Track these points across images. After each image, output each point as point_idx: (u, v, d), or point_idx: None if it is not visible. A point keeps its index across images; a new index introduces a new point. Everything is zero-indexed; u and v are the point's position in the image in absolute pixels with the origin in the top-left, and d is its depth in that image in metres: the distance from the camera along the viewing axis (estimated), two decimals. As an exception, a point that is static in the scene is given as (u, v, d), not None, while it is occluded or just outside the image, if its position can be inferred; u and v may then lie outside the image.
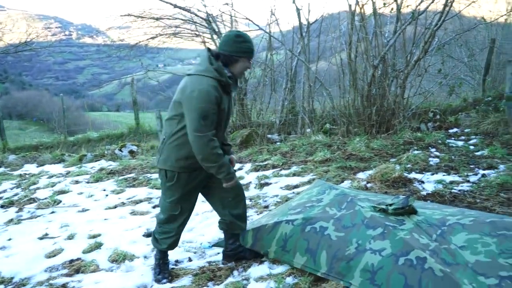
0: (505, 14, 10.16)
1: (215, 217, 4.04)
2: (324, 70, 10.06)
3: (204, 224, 4.07)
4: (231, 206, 3.04)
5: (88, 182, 6.29)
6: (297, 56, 8.54)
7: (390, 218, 2.79)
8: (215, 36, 8.31)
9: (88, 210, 4.85)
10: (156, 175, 6.29)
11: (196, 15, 8.35)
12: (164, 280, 2.95)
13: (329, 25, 9.23)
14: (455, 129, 7.26)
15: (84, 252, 3.57)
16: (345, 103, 7.52)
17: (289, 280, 2.72)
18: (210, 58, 2.64)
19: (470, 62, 12.82)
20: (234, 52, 2.67)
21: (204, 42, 8.74)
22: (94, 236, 3.91)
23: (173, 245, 3.02)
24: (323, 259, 2.68)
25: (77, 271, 3.25)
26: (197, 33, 8.72)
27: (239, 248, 3.17)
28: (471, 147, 5.90)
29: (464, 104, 8.47)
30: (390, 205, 2.88)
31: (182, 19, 8.64)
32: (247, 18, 8.52)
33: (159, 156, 2.82)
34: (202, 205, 4.60)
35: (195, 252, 3.42)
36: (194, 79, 2.61)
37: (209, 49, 2.74)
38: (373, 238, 2.62)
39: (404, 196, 2.98)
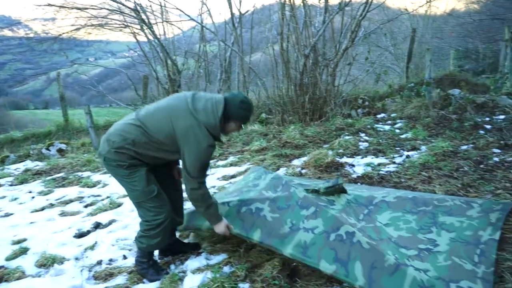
0: (424, 4, 10.83)
1: (151, 212, 3.96)
2: (258, 60, 10.15)
3: (139, 220, 3.94)
4: (171, 201, 2.92)
5: (11, 185, 5.86)
6: (230, 46, 8.52)
7: (322, 198, 2.90)
8: (145, 27, 8.02)
9: (12, 214, 4.52)
10: (87, 173, 6.02)
11: (123, 5, 8.01)
12: (162, 276, 2.81)
13: (261, 16, 9.30)
14: (382, 114, 7.65)
15: (8, 259, 3.32)
16: (279, 93, 7.65)
17: (226, 269, 2.73)
18: (221, 117, 2.59)
19: (395, 50, 13.57)
20: (231, 112, 2.62)
21: (134, 33, 8.42)
22: (19, 242, 3.65)
23: (168, 235, 2.89)
24: (256, 235, 2.73)
25: (0, 280, 3.02)
26: (125, 23, 8.37)
27: (175, 242, 3.13)
28: (397, 130, 6.26)
29: (390, 91, 8.95)
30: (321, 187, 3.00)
31: (108, 9, 8.25)
32: (177, 8, 8.34)
33: (109, 148, 2.60)
34: (137, 201, 4.49)
35: (130, 250, 3.31)
36: (201, 130, 2.53)
37: (225, 100, 2.63)
38: (306, 218, 2.71)
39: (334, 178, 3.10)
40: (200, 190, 2.64)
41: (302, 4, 7.23)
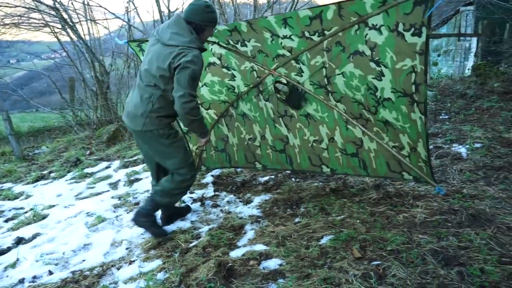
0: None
1: (79, 224, 3.75)
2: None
3: (67, 231, 3.71)
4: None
5: None
6: (160, 45, 8.27)
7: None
8: (66, 26, 7.56)
9: None
10: (8, 184, 5.57)
11: (41, 2, 7.47)
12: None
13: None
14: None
15: None
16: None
17: (160, 276, 2.65)
18: (190, 29, 2.84)
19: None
20: (202, 21, 2.87)
21: (54, 32, 7.91)
22: None
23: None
24: None
25: None
26: (44, 22, 7.83)
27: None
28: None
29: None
30: None
31: (25, 7, 7.66)
32: (101, 6, 7.97)
33: (143, 120, 2.91)
34: (65, 211, 4.22)
35: (56, 264, 3.10)
36: (183, 50, 2.75)
37: (179, 16, 2.89)
38: None
39: None
40: (192, 103, 2.81)
41: (231, 2, 7.22)
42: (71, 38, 7.83)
